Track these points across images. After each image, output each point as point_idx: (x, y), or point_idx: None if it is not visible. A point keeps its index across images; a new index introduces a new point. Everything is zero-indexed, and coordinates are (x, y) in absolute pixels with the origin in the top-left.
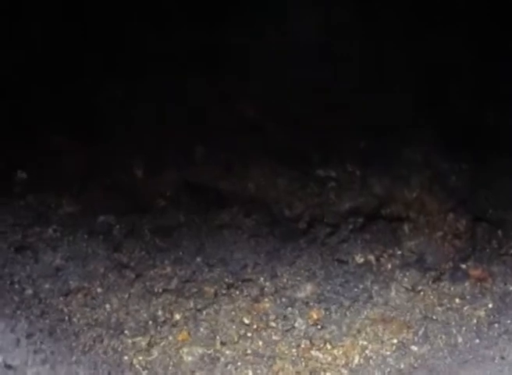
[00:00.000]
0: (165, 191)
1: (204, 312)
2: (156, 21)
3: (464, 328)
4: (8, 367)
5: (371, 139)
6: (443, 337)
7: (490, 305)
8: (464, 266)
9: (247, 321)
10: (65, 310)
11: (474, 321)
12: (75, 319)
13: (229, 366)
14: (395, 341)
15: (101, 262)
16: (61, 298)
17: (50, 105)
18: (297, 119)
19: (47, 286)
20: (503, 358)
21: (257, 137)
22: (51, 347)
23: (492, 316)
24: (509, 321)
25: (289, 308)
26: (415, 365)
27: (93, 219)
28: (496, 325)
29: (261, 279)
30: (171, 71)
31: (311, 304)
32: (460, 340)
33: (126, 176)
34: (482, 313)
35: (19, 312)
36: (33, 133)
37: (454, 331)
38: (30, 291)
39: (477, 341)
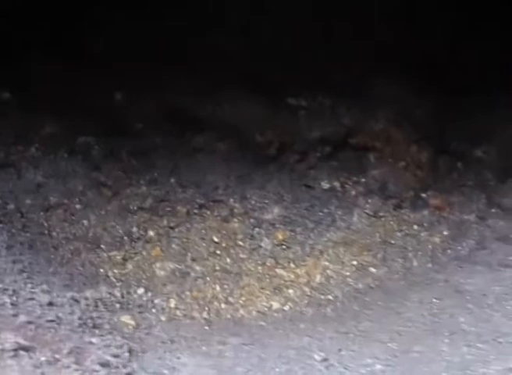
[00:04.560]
0: (142, 115)
1: (177, 230)
2: None
3: (419, 253)
4: None
5: (342, 72)
6: (400, 260)
7: (445, 233)
8: (424, 195)
9: (216, 239)
10: (45, 224)
11: (430, 247)
12: (54, 233)
13: (198, 281)
14: (355, 262)
15: (80, 180)
16: (41, 213)
17: (37, 32)
18: (272, 50)
19: (28, 201)
20: (447, 281)
21: (232, 67)
22: (30, 258)
23: (446, 243)
24: (460, 248)
25: (257, 229)
26: (372, 285)
27: (73, 140)
28: (449, 251)
29: (231, 200)
30: (150, 3)
31: (278, 225)
32: (415, 264)
33: (106, 99)
34: (438, 240)
35: (1, 225)
36: (18, 56)
37: (410, 255)
38: (12, 206)
39: (429, 265)
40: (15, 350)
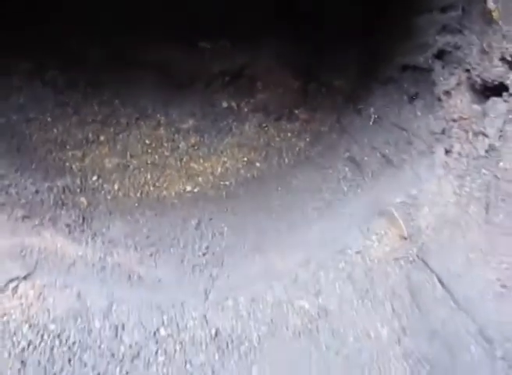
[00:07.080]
0: (94, 57)
1: (120, 136)
2: None
3: (290, 153)
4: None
5: (239, 23)
6: (276, 158)
7: (308, 139)
8: (296, 112)
9: (148, 142)
10: (27, 132)
11: (297, 149)
12: (34, 139)
13: (135, 171)
14: (245, 159)
15: (51, 102)
16: (24, 125)
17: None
18: (183, 7)
19: (14, 117)
20: (294, 176)
21: (156, 21)
22: (19, 159)
23: (307, 146)
24: (312, 152)
25: (176, 135)
26: (255, 175)
27: (45, 73)
28: (306, 152)
29: (158, 115)
30: None
31: (191, 133)
32: (286, 161)
33: (66, 45)
34: (302, 144)
35: None
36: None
37: (284, 155)
38: (2, 121)
39: (292, 162)
40: (22, 218)
